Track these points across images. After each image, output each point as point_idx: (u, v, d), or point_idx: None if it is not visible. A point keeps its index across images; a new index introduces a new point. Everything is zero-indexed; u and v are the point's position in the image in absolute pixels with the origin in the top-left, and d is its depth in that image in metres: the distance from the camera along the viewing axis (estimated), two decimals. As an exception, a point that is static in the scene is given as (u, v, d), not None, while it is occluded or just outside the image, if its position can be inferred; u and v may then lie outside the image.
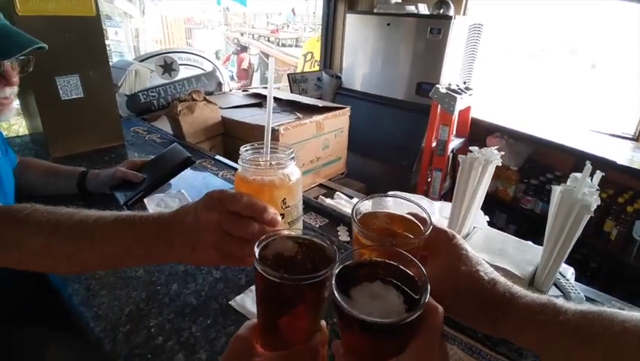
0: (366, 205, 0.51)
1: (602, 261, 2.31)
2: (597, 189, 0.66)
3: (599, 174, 0.67)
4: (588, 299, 0.86)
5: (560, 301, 0.41)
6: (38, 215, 0.56)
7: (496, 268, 0.75)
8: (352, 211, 0.48)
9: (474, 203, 0.76)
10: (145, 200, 1.15)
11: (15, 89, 0.91)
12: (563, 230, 0.67)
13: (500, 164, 0.75)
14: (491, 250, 0.76)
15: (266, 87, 3.54)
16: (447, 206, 1.23)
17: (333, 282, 0.37)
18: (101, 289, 0.82)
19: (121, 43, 5.30)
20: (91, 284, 0.83)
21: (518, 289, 0.44)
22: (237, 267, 0.87)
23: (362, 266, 0.41)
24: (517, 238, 0.81)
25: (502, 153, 0.76)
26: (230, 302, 0.80)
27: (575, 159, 2.36)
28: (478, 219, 0.94)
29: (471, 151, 0.76)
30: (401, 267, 0.40)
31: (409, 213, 0.51)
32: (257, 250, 0.42)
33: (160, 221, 0.52)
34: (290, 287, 0.39)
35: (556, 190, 0.68)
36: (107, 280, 0.85)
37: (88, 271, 0.84)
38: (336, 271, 0.38)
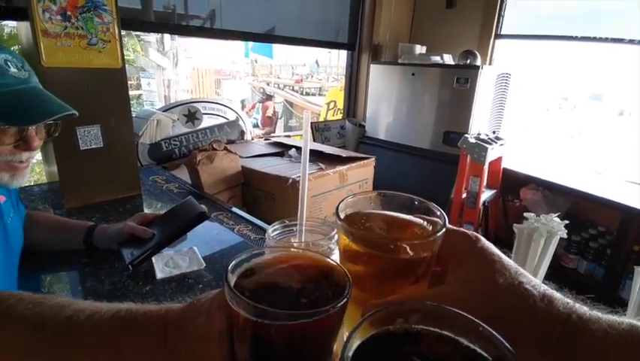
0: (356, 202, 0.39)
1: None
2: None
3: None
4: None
5: None
6: (22, 307, 0.45)
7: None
8: (337, 208, 0.37)
9: (533, 282, 0.63)
10: (153, 258, 1.06)
11: (34, 153, 0.86)
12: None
13: (565, 236, 0.62)
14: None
15: (288, 136, 3.54)
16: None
17: None
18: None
19: (152, 93, 5.55)
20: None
21: (586, 310, 0.30)
22: None
23: (394, 342, 0.26)
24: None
25: (566, 221, 0.63)
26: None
27: (622, 215, 2.15)
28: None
29: (526, 218, 0.64)
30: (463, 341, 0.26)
31: (416, 216, 0.39)
32: (232, 276, 0.31)
33: (167, 321, 0.39)
34: (272, 330, 0.27)
35: (644, 273, 0.54)
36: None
37: None
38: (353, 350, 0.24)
